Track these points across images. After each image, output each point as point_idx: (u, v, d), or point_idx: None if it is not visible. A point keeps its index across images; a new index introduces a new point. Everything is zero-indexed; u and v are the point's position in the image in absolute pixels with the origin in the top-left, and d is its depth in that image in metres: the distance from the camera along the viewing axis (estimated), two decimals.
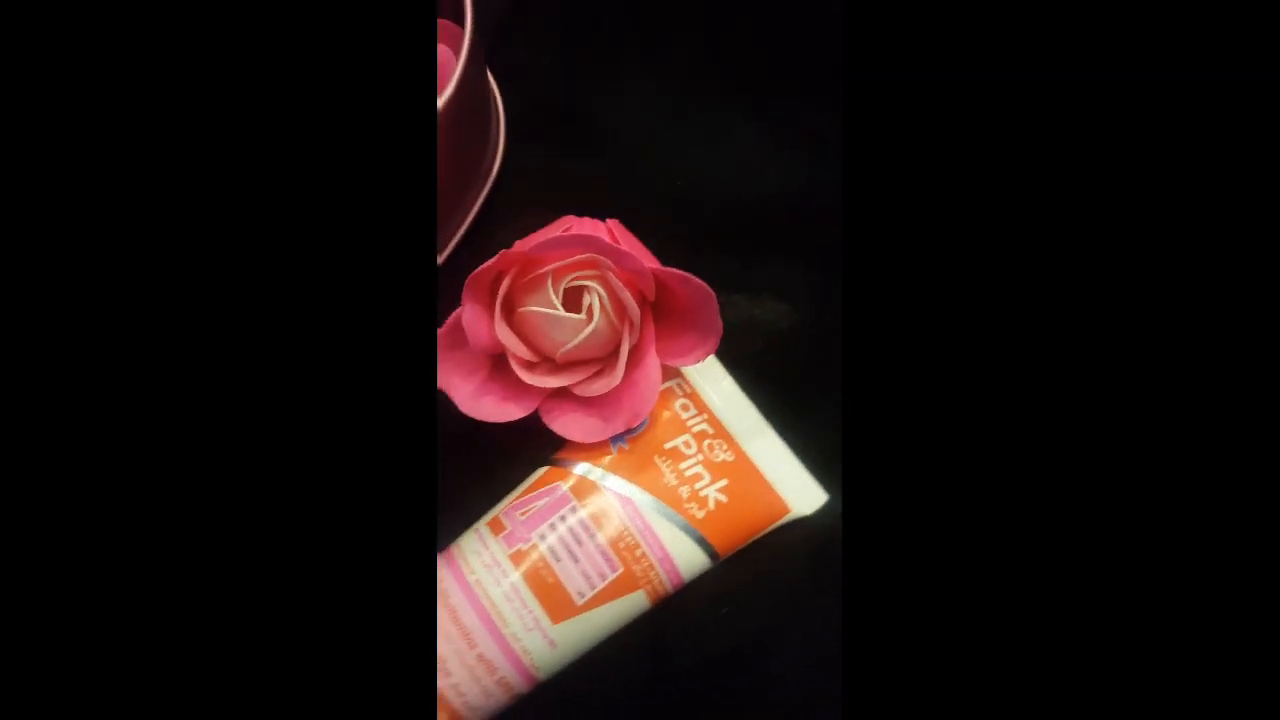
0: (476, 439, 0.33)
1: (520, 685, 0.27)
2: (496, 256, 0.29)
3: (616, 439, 0.29)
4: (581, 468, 0.27)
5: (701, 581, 0.31)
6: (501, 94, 0.41)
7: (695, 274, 0.30)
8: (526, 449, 0.34)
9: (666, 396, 0.31)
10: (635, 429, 0.29)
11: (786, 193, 0.41)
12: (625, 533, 0.26)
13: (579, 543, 0.26)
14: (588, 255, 0.30)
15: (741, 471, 0.28)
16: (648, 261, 0.32)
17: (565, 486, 0.27)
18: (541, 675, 0.27)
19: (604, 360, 0.32)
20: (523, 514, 0.27)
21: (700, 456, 0.28)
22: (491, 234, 0.38)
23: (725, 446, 0.28)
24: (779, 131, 0.43)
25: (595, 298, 0.30)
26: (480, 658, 0.26)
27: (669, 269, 0.31)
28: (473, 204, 0.38)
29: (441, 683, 0.26)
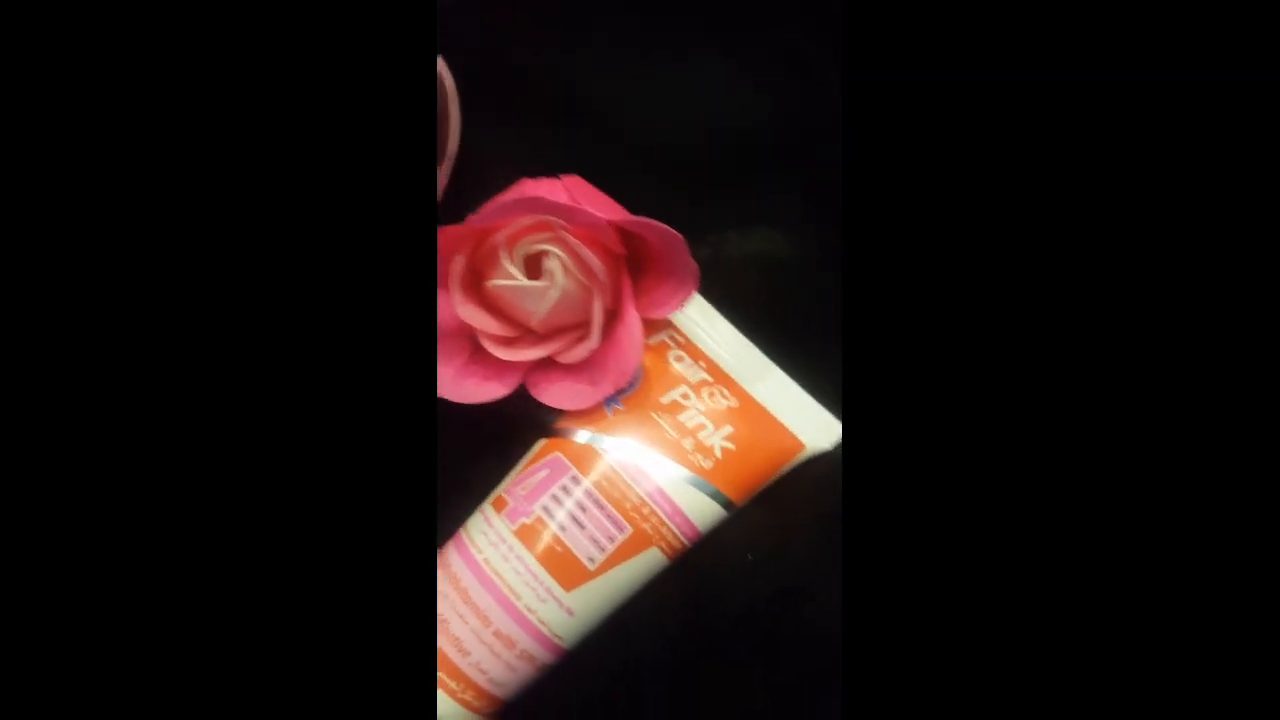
0: (479, 420, 0.33)
1: (545, 656, 0.27)
2: (440, 234, 0.28)
3: (610, 401, 0.28)
4: (580, 435, 0.27)
5: (725, 530, 0.30)
6: (452, 66, 0.40)
7: (680, 217, 0.29)
8: (531, 424, 0.33)
9: (659, 350, 0.31)
10: (627, 388, 0.29)
11: (772, 123, 0.40)
12: (629, 493, 0.25)
13: (583, 509, 0.26)
14: (537, 218, 0.29)
15: (748, 415, 0.28)
16: (611, 214, 0.31)
17: (564, 455, 0.26)
18: (566, 644, 0.27)
19: (583, 324, 0.31)
20: (523, 488, 0.27)
21: (701, 406, 0.27)
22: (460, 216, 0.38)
23: (727, 392, 0.28)
24: (757, 61, 0.41)
25: (555, 261, 0.29)
26: (497, 634, 0.26)
27: (632, 218, 0.30)
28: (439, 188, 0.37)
29: (462, 662, 0.26)
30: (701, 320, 0.31)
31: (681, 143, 0.39)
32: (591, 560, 0.25)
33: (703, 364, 0.29)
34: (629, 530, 0.25)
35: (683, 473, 0.26)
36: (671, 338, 0.30)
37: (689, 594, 0.32)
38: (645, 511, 0.25)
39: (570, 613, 0.26)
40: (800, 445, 0.28)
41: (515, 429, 0.33)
